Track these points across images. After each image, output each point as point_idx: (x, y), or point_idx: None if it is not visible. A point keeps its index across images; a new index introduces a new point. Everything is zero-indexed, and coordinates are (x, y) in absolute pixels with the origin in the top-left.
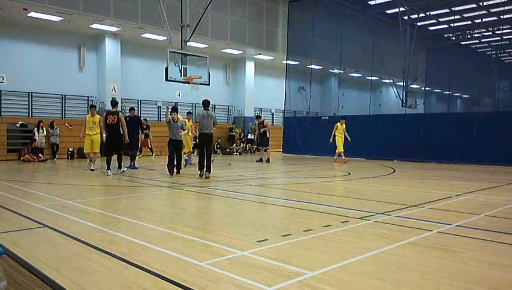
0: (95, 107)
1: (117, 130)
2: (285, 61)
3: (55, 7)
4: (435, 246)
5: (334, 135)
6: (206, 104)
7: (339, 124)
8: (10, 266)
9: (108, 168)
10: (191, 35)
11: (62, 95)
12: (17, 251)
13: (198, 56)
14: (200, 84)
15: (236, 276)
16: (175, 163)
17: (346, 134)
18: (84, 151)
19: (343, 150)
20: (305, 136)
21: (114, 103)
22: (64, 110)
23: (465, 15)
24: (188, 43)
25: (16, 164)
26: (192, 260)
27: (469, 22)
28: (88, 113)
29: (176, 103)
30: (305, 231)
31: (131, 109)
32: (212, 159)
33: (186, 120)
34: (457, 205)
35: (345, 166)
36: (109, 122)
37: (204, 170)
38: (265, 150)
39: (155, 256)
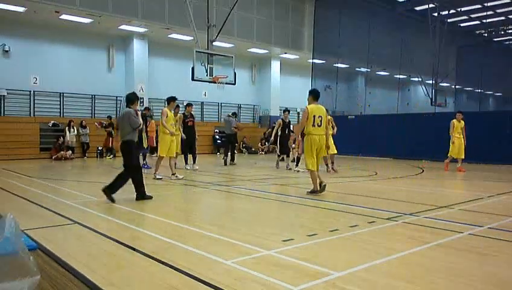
0: (176, 99)
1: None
2: (311, 60)
3: (85, 9)
4: (466, 248)
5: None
6: (128, 98)
7: (455, 120)
8: (43, 261)
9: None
10: (217, 35)
11: (92, 95)
12: (49, 246)
13: (224, 56)
14: (226, 83)
15: (262, 275)
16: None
17: (463, 134)
18: (162, 154)
19: (463, 156)
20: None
21: (189, 104)
22: (94, 109)
23: (498, 10)
24: (214, 43)
25: (48, 162)
26: (218, 259)
27: (502, 18)
28: (165, 107)
29: (202, 103)
30: (331, 231)
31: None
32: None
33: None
34: (489, 207)
35: (387, 167)
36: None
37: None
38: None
39: (181, 254)
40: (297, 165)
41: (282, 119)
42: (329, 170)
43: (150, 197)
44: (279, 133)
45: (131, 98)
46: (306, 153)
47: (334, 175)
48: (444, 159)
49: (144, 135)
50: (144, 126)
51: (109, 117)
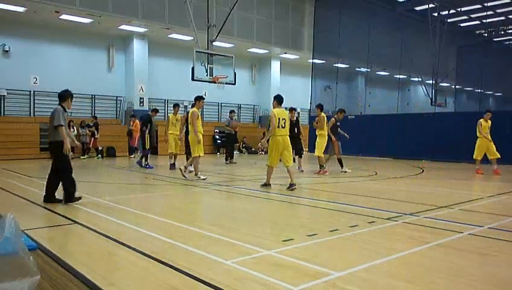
0: (204, 98)
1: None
2: (311, 60)
3: (85, 9)
4: (466, 248)
5: (477, 137)
6: (59, 95)
7: (482, 120)
8: (43, 261)
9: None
10: (217, 35)
11: (92, 95)
12: (49, 246)
13: (224, 56)
14: (226, 83)
15: (262, 275)
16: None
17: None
18: (200, 154)
19: (498, 155)
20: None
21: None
22: (94, 110)
23: (498, 10)
24: (214, 43)
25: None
26: (218, 259)
27: (502, 18)
28: (194, 106)
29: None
30: (331, 231)
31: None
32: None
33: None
34: (489, 207)
35: (387, 167)
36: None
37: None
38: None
39: (182, 254)
40: (342, 166)
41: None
42: (326, 171)
43: (78, 199)
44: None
45: (63, 95)
46: (269, 151)
47: (332, 175)
48: (441, 159)
49: (147, 136)
50: (150, 128)
51: (94, 117)
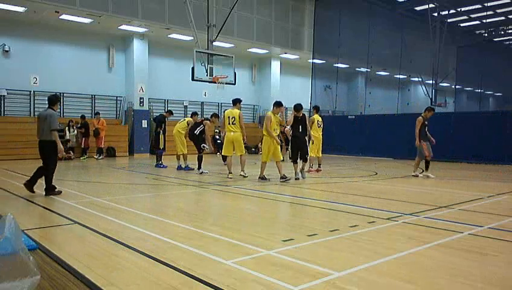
0: (282, 104)
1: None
2: (311, 60)
3: (85, 9)
4: (466, 248)
5: None
6: (50, 100)
7: None
8: (43, 261)
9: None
10: (217, 35)
11: (92, 95)
12: (49, 246)
13: (224, 56)
14: (226, 83)
15: (262, 275)
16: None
17: None
18: (264, 159)
19: None
20: (330, 135)
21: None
22: (94, 109)
23: (498, 10)
24: (214, 43)
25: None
26: (219, 259)
27: (502, 18)
28: (271, 110)
29: (202, 103)
30: (331, 231)
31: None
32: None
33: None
34: (489, 207)
35: (387, 167)
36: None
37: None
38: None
39: (182, 254)
40: (427, 169)
41: (294, 115)
42: (312, 170)
43: (60, 193)
44: (290, 132)
45: (53, 100)
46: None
47: (332, 175)
48: (441, 159)
49: (161, 136)
50: (164, 128)
51: (82, 117)
